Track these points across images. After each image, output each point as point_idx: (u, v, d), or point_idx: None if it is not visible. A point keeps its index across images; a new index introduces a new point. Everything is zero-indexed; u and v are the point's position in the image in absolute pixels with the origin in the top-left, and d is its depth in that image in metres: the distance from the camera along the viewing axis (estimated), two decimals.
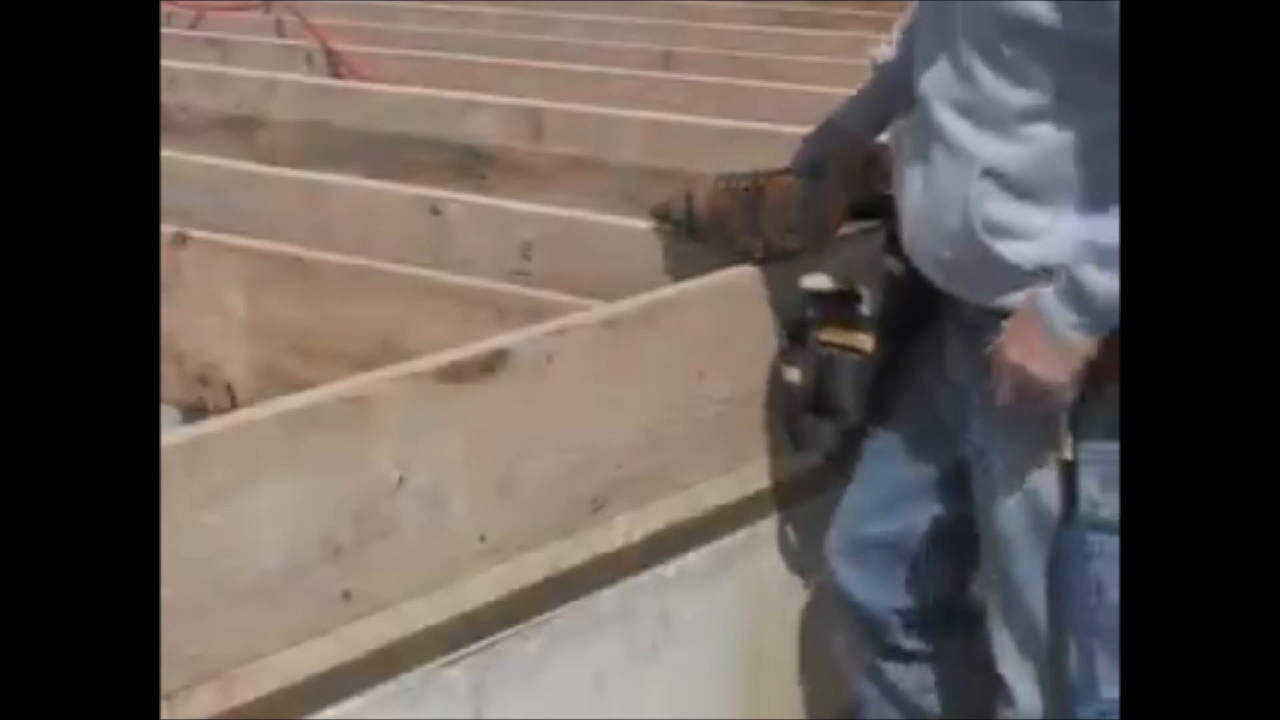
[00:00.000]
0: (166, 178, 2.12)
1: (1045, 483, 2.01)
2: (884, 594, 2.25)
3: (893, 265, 2.13)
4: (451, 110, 3.62)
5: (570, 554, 2.11)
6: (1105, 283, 1.85)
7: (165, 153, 2.83)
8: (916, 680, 2.29)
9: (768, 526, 2.40)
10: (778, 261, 2.32)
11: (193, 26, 5.29)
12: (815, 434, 2.27)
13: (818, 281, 2.24)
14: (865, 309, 2.20)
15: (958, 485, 2.13)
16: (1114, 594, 1.99)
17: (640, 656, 2.23)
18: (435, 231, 2.74)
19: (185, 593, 1.71)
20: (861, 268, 2.24)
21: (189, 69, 4.15)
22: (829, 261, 2.30)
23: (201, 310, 2.58)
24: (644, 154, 3.17)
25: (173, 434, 1.75)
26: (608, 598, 2.18)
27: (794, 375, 2.27)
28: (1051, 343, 1.92)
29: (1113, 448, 1.92)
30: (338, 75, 4.52)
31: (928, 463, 2.18)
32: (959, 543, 2.17)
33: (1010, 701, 2.11)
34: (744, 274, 2.32)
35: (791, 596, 2.45)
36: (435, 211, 2.78)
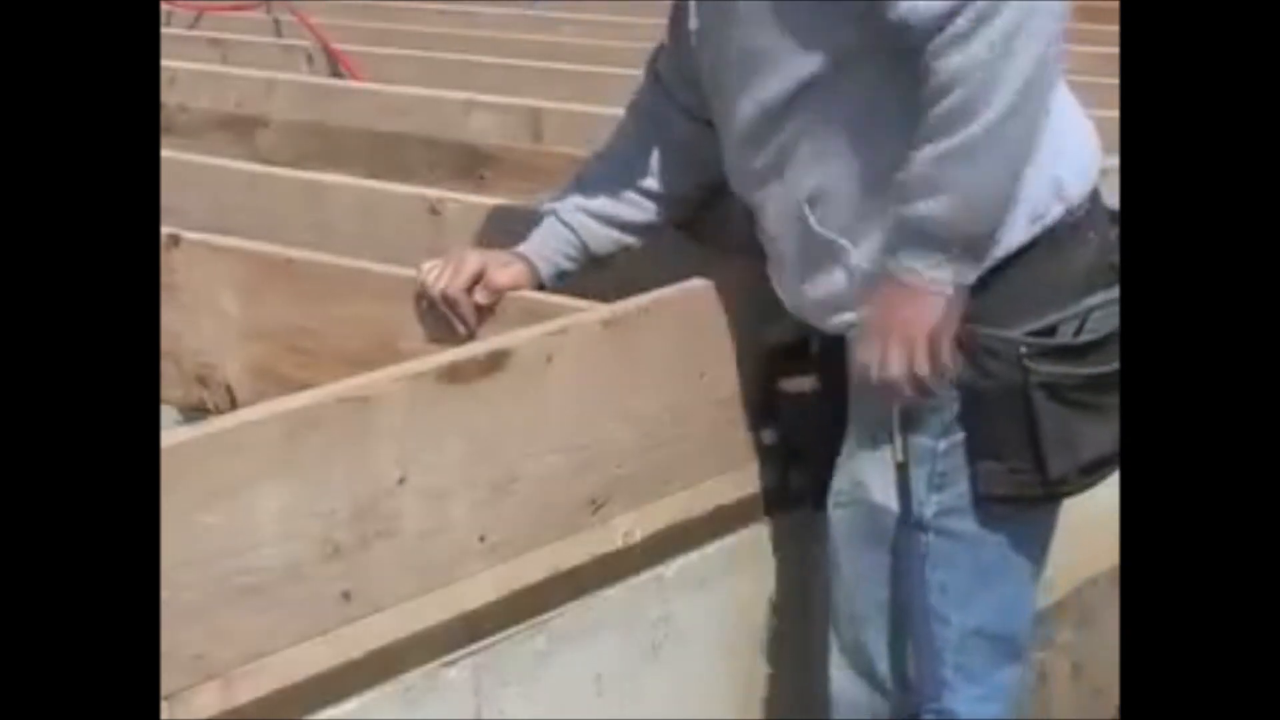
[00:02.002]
0: (165, 178, 2.12)
1: (873, 482, 2.06)
2: (878, 702, 2.19)
3: None
4: (451, 110, 3.62)
5: (570, 554, 2.11)
6: (934, 208, 1.88)
7: (164, 153, 2.83)
8: None
9: (768, 526, 2.39)
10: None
11: (192, 26, 5.29)
12: (796, 488, 2.28)
13: (773, 335, 2.24)
14: (814, 347, 2.21)
15: None
16: (941, 600, 2.05)
17: (640, 656, 2.23)
18: (435, 231, 2.74)
19: (185, 593, 1.71)
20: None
21: (189, 69, 4.15)
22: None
23: (198, 311, 2.58)
24: None
25: (173, 434, 1.75)
26: (608, 598, 2.18)
27: (768, 437, 2.28)
28: (913, 295, 1.92)
29: (940, 445, 1.96)
30: (337, 75, 4.51)
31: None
32: None
33: (829, 700, 2.16)
34: (745, 274, 2.32)
35: (792, 597, 2.45)
36: (434, 211, 2.78)
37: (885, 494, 2.05)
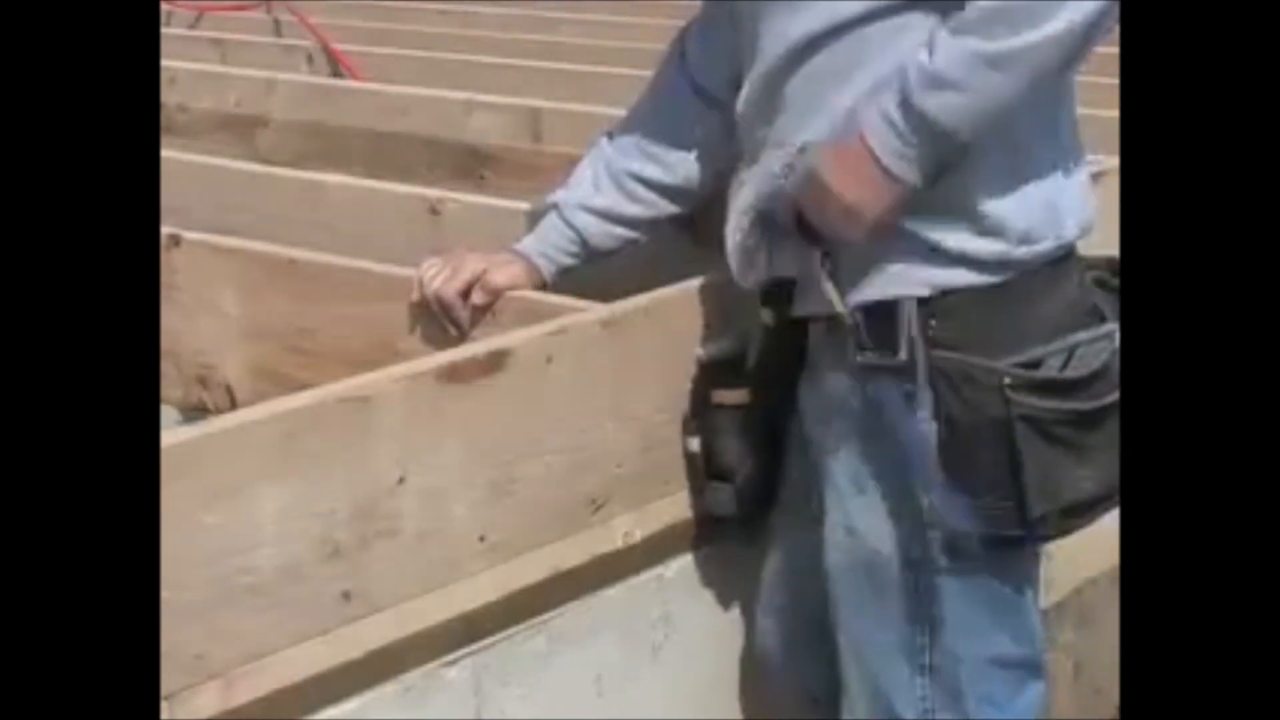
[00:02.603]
0: (166, 178, 2.12)
1: (867, 528, 2.02)
2: (805, 658, 2.21)
3: (766, 317, 2.09)
4: (451, 110, 3.62)
5: (570, 554, 2.11)
6: (935, 104, 1.82)
7: (165, 153, 2.83)
8: None
9: (768, 526, 2.39)
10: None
11: (193, 26, 5.29)
12: (714, 498, 2.20)
13: (710, 350, 2.22)
14: (750, 361, 2.16)
15: None
16: (950, 636, 2.02)
17: (640, 656, 2.23)
18: (435, 231, 2.74)
19: (185, 593, 1.71)
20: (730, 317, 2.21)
21: (189, 69, 4.15)
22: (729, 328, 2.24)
23: (198, 311, 2.58)
24: None
25: (173, 434, 1.75)
26: (608, 598, 2.18)
27: (694, 445, 2.20)
28: (875, 170, 1.86)
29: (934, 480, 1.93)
30: (337, 75, 4.51)
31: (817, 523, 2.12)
32: None
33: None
34: None
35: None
36: (434, 211, 2.78)
37: (879, 538, 2.00)
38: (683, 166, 2.27)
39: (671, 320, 2.21)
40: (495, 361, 2.00)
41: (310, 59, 4.67)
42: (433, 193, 2.86)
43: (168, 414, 2.53)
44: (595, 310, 2.19)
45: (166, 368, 2.54)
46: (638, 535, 2.18)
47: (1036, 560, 2.13)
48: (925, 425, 1.93)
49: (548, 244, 2.30)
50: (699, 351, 2.19)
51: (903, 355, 1.93)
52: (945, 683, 2.04)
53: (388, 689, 1.94)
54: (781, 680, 2.28)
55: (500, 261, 2.29)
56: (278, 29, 5.18)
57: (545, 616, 2.10)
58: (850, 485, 2.03)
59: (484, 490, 2.00)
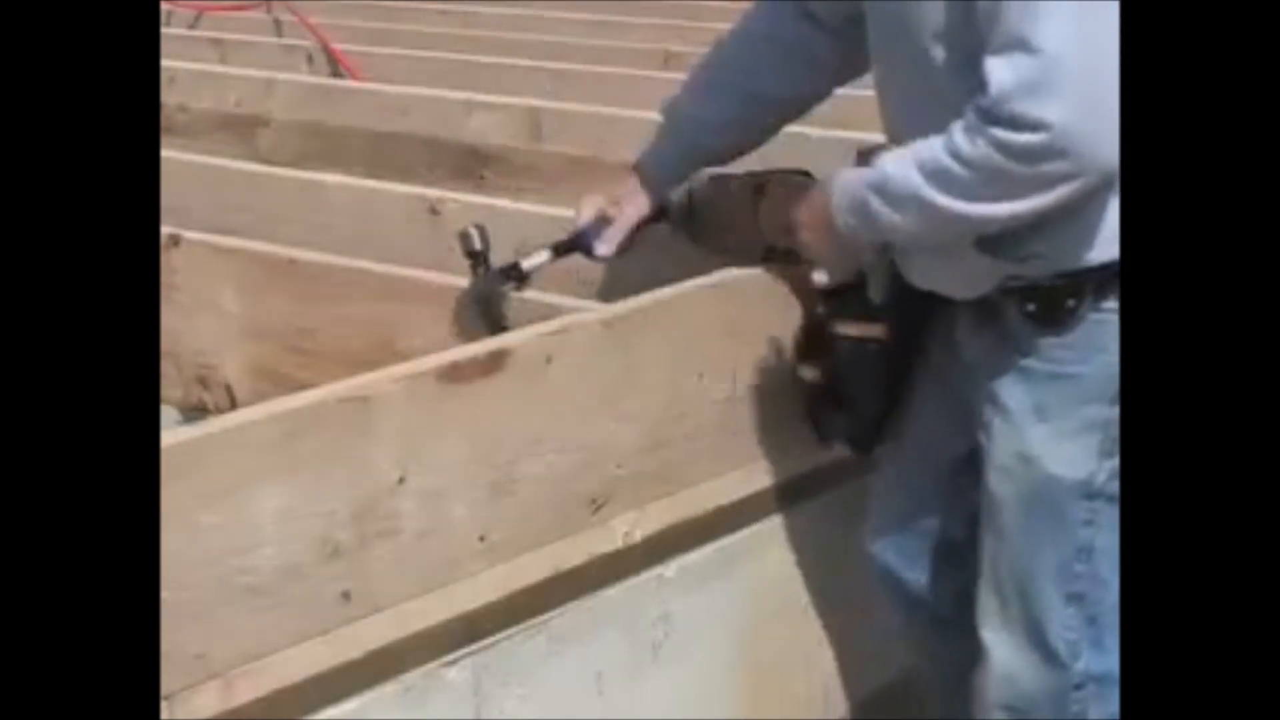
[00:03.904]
0: (166, 178, 2.12)
1: (1042, 446, 2.05)
2: (928, 574, 2.29)
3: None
4: (451, 110, 3.62)
5: (570, 554, 2.11)
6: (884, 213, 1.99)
7: (165, 153, 2.83)
8: (967, 650, 2.28)
9: (768, 526, 2.39)
10: (781, 260, 2.32)
11: (192, 26, 5.29)
12: (837, 426, 2.29)
13: (826, 277, 2.25)
14: (875, 297, 2.21)
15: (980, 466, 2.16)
16: (1104, 564, 2.04)
17: (640, 656, 2.23)
18: (434, 231, 2.74)
19: (185, 593, 1.71)
20: (868, 258, 2.24)
21: (189, 69, 4.15)
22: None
23: (198, 311, 2.58)
24: None
25: (173, 434, 1.75)
26: (608, 598, 2.18)
27: (811, 373, 2.28)
28: (830, 225, 2.06)
29: (1111, 413, 1.96)
30: (337, 75, 4.52)
31: (952, 447, 2.20)
32: None
33: (987, 665, 2.14)
34: (744, 274, 2.32)
35: (792, 596, 2.45)
36: (434, 211, 2.78)
37: (1059, 465, 2.05)
38: (786, 80, 2.34)
39: (671, 320, 2.21)
40: (495, 361, 2.00)
41: (310, 59, 4.68)
42: (432, 193, 2.87)
43: (168, 414, 2.53)
44: (595, 310, 2.19)
45: (166, 368, 2.55)
46: (638, 535, 2.19)
47: None
48: (1112, 359, 1.95)
49: (666, 160, 2.38)
50: (818, 277, 2.22)
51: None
52: (1090, 611, 2.07)
53: (388, 689, 1.94)
54: (904, 600, 2.33)
55: (625, 184, 2.38)
56: (278, 29, 5.19)
57: (545, 616, 2.10)
58: (1030, 414, 2.06)
59: (484, 490, 2.00)
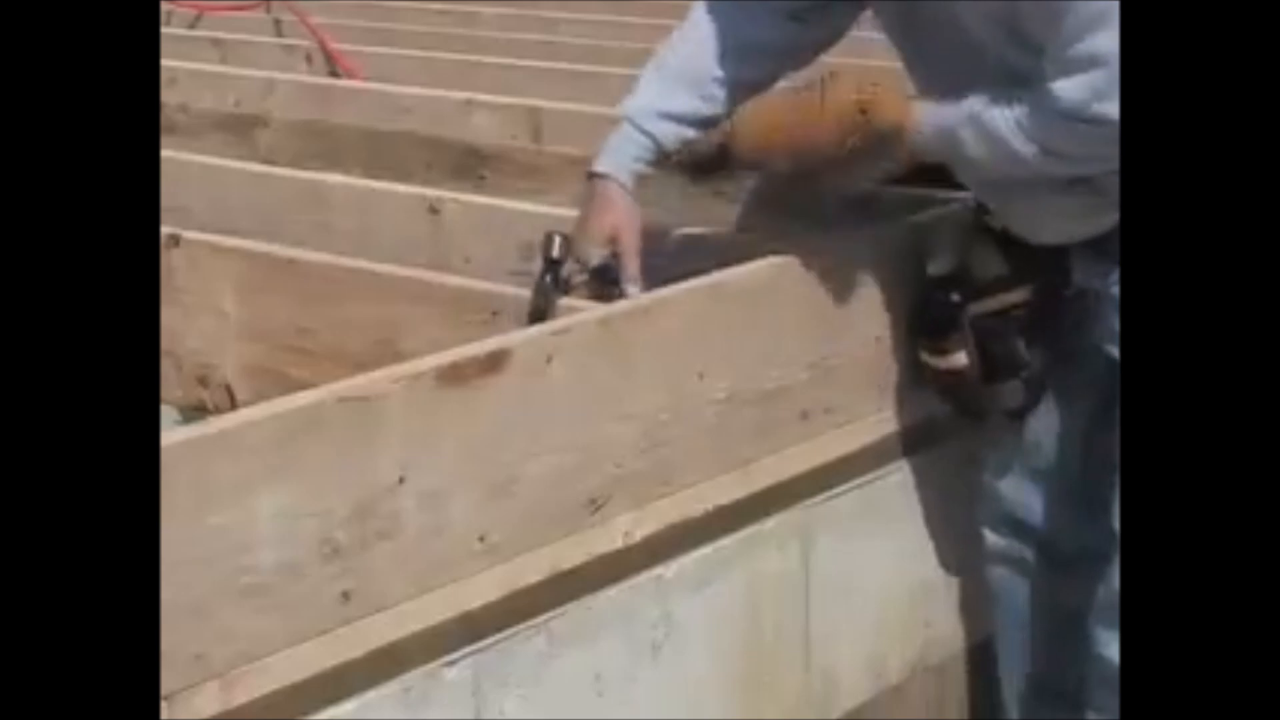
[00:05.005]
0: (166, 178, 2.12)
1: None
2: (1060, 513, 2.41)
3: (994, 222, 2.28)
4: (451, 110, 3.62)
5: (570, 554, 2.11)
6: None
7: (165, 153, 2.83)
8: (1080, 598, 2.41)
9: (768, 526, 2.39)
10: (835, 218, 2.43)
11: (192, 26, 5.29)
12: (1006, 396, 2.37)
13: (940, 266, 2.30)
14: (995, 270, 2.29)
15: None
16: None
17: (640, 656, 2.23)
18: (434, 231, 2.74)
19: (185, 593, 1.71)
20: (947, 235, 2.31)
21: (189, 69, 4.15)
22: (925, 242, 2.41)
23: (197, 311, 2.58)
24: None
25: (173, 434, 1.74)
26: (608, 598, 2.17)
27: (960, 359, 2.34)
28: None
29: None
30: (335, 75, 4.51)
31: (1086, 394, 2.33)
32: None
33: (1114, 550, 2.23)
34: (744, 274, 2.32)
35: (792, 597, 2.45)
36: (434, 211, 2.78)
37: None
38: (747, 70, 2.39)
39: (671, 320, 2.21)
40: (495, 361, 2.00)
41: (310, 59, 4.67)
42: (432, 193, 2.86)
43: (168, 414, 2.53)
44: (595, 310, 2.19)
45: (166, 368, 2.54)
46: (638, 535, 2.18)
47: None
48: None
49: (625, 156, 2.38)
50: (930, 268, 2.33)
51: None
52: None
53: (388, 689, 1.94)
54: (1037, 537, 2.46)
55: (606, 204, 2.37)
56: (278, 29, 5.18)
57: (545, 616, 2.10)
58: None
59: (484, 490, 1.99)
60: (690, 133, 2.38)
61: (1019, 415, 2.41)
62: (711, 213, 2.68)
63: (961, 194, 2.46)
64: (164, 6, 5.04)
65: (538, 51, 4.59)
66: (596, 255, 2.36)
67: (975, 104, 2.12)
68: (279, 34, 5.13)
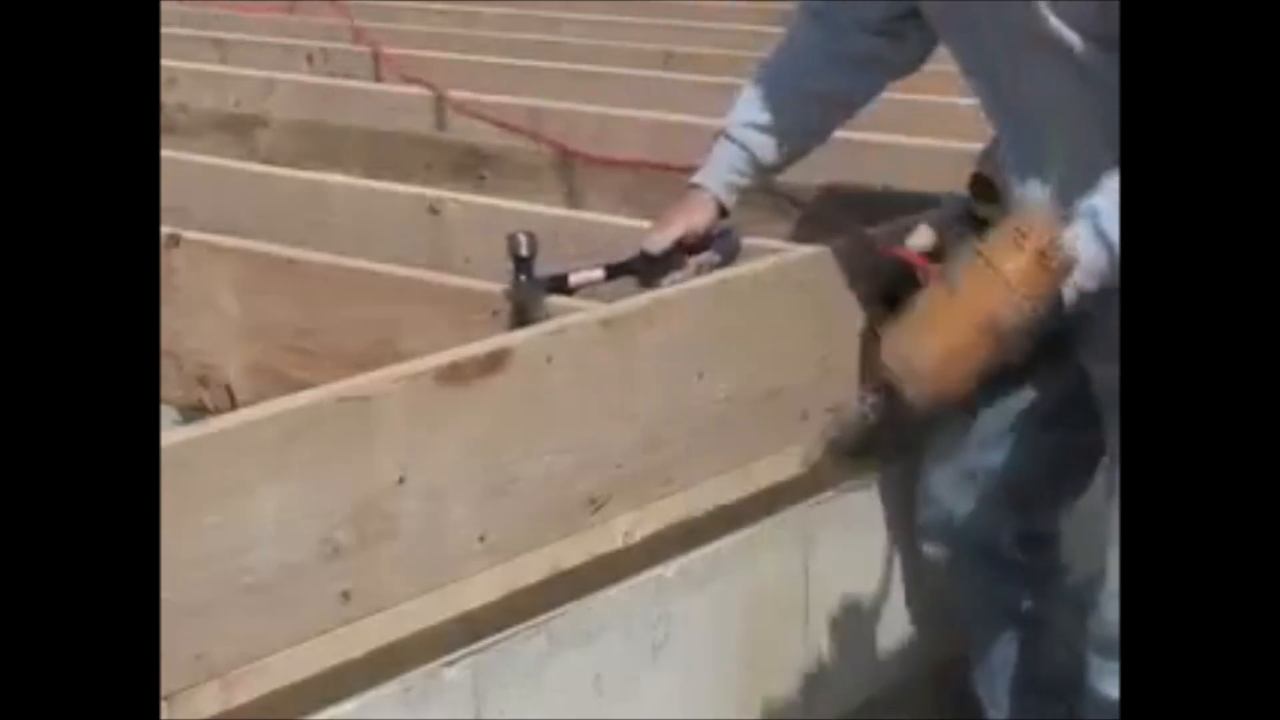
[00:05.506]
0: (166, 178, 2.12)
1: None
2: (986, 514, 2.39)
3: (989, 212, 2.27)
4: (451, 110, 3.62)
5: (570, 554, 2.11)
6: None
7: (165, 153, 2.83)
8: (1031, 593, 2.43)
9: (768, 526, 2.40)
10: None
11: (192, 26, 5.28)
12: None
13: (919, 241, 2.31)
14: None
15: (1070, 412, 2.26)
16: None
17: (640, 656, 2.23)
18: (434, 231, 2.74)
19: (185, 593, 1.71)
20: (933, 217, 2.34)
21: (189, 69, 4.15)
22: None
23: (198, 311, 2.58)
24: (643, 154, 3.17)
25: (173, 434, 1.75)
26: (608, 598, 2.18)
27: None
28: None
29: None
30: (379, 77, 4.45)
31: (1040, 391, 2.32)
32: (1067, 471, 2.36)
33: (1104, 582, 2.19)
34: (744, 274, 2.33)
35: (791, 597, 2.45)
36: (434, 211, 2.78)
37: None
38: (840, 83, 2.40)
39: (671, 320, 2.21)
40: (495, 361, 2.00)
41: (310, 59, 4.67)
42: (432, 193, 2.87)
43: (168, 414, 2.53)
44: (595, 310, 2.19)
45: (166, 368, 2.55)
46: (638, 535, 2.18)
47: None
48: None
49: (720, 167, 2.40)
50: (908, 241, 2.29)
51: None
52: None
53: (388, 689, 1.94)
54: (953, 536, 2.44)
55: (693, 207, 2.39)
56: (278, 29, 5.18)
57: (545, 616, 2.10)
58: None
59: (484, 490, 2.00)
60: (784, 145, 2.40)
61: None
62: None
63: (959, 194, 2.46)
64: (177, 6, 5.04)
65: (538, 51, 4.59)
66: (656, 244, 2.38)
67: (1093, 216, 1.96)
68: (279, 34, 5.13)
